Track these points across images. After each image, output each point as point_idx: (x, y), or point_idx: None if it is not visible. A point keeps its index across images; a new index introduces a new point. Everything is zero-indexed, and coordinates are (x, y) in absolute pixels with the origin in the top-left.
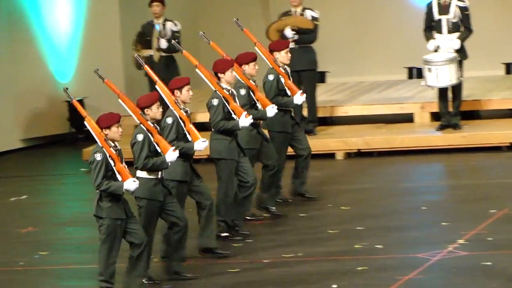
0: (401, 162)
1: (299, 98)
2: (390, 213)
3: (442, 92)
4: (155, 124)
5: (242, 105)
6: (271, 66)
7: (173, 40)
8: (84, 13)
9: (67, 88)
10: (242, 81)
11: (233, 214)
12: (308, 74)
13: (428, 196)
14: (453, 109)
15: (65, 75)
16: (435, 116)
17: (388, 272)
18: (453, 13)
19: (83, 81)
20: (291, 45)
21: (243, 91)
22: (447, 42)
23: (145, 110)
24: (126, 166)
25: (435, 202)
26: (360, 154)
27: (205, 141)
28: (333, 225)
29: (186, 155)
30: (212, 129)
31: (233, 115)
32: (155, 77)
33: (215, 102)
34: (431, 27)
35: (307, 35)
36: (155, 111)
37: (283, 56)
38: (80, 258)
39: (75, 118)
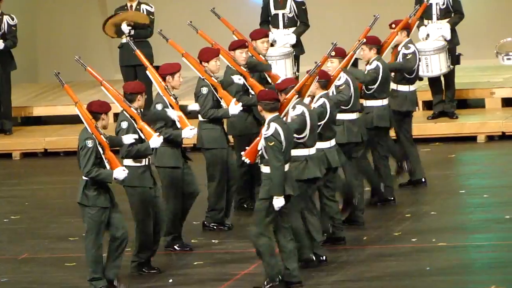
0: None
1: None
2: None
3: None
4: (138, 110)
5: (235, 92)
6: (251, 54)
7: (158, 30)
8: None
9: (58, 73)
10: (234, 68)
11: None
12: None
13: None
14: None
15: None
16: None
17: (224, 267)
18: (289, 8)
19: None
20: (125, 39)
21: (236, 78)
22: (283, 37)
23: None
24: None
25: None
26: None
27: (193, 128)
28: None
29: (175, 142)
30: (202, 118)
31: (221, 103)
32: (146, 63)
33: (204, 90)
34: (267, 21)
35: (143, 30)
36: (140, 99)
37: (259, 46)
38: None
39: None
